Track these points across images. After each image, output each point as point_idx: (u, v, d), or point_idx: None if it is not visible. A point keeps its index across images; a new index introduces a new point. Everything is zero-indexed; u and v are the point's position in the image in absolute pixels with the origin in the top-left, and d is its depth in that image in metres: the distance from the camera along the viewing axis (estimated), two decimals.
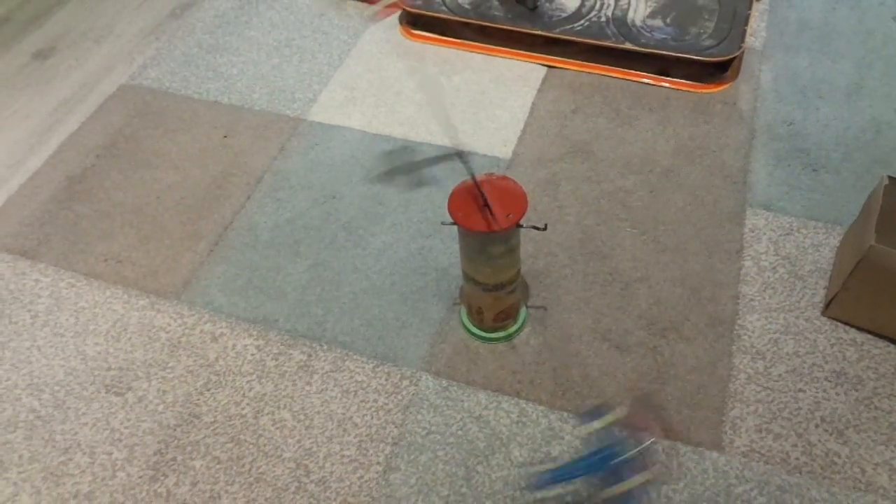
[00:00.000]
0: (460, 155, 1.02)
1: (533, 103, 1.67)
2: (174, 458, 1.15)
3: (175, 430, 1.18)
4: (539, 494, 1.09)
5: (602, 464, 0.97)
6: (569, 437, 1.14)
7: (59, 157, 1.64)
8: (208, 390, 1.23)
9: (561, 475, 1.04)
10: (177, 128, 1.68)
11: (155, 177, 1.58)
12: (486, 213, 1.02)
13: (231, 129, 1.67)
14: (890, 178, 1.23)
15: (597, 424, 1.00)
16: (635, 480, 0.95)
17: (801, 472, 1.09)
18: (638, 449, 0.96)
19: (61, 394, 1.24)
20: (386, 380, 1.22)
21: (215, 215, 1.49)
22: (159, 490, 1.12)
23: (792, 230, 1.39)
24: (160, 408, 1.21)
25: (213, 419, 1.19)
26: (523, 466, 1.11)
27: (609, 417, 0.99)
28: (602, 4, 1.79)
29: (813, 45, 1.77)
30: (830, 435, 1.12)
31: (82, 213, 1.51)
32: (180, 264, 1.41)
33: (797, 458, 1.10)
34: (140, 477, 1.13)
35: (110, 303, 1.36)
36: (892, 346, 1.22)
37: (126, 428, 1.19)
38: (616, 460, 0.96)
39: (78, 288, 1.38)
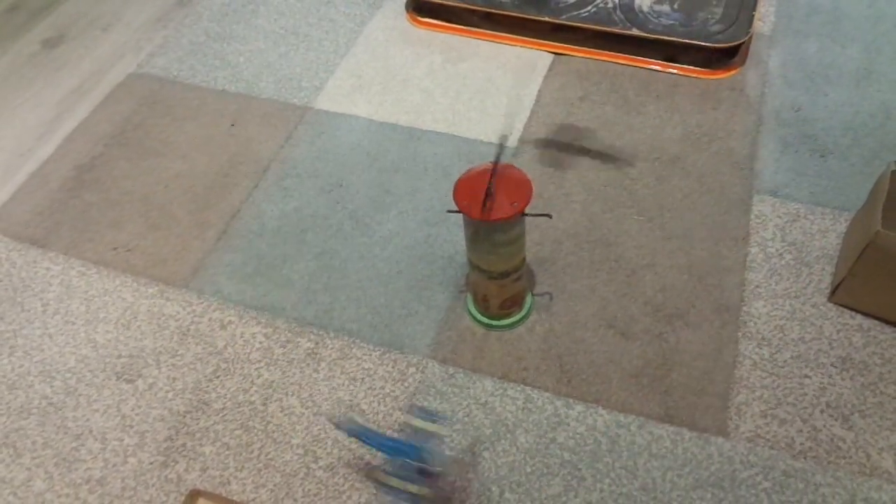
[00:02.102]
0: (501, 144, 1.03)
1: (539, 91, 1.67)
2: (184, 445, 1.17)
3: (185, 416, 1.20)
4: (337, 431, 1.12)
5: (400, 455, 0.99)
6: (574, 424, 1.15)
7: (68, 145, 1.65)
8: (217, 377, 1.24)
9: (363, 435, 1.04)
10: (184, 116, 1.69)
11: (163, 165, 1.59)
12: (492, 202, 1.02)
13: (238, 117, 1.68)
14: None
15: (418, 423, 1.02)
16: (414, 487, 0.98)
17: (806, 458, 1.09)
18: (435, 470, 0.99)
19: (73, 381, 1.25)
20: (392, 367, 1.23)
21: (223, 204, 1.50)
22: (170, 476, 1.14)
23: (799, 216, 1.39)
24: (170, 395, 1.23)
25: (222, 406, 1.21)
26: (349, 410, 1.11)
27: (431, 427, 1.01)
28: None
29: (822, 29, 1.75)
30: (836, 420, 1.13)
31: (91, 202, 1.53)
32: (189, 253, 1.42)
33: (802, 444, 1.11)
34: (151, 463, 1.15)
35: (120, 291, 1.37)
36: None
37: (137, 415, 1.21)
38: (413, 462, 0.98)
39: (88, 276, 1.40)
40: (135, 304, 1.35)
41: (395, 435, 1.07)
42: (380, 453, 1.05)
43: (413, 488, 0.99)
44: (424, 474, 0.99)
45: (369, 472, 1.10)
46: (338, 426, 1.14)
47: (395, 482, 1.00)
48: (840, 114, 1.56)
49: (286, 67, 1.78)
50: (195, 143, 1.63)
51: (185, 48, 1.86)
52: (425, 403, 1.18)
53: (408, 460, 0.99)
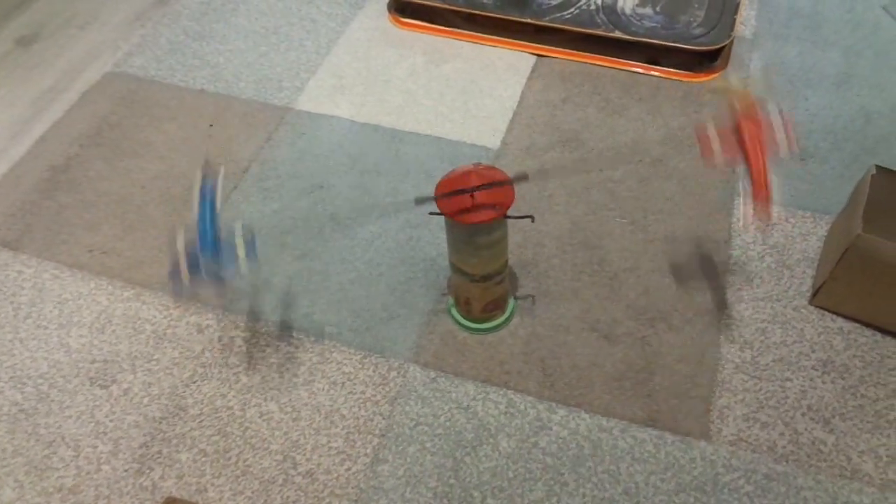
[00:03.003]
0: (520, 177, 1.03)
1: (522, 92, 1.66)
2: (160, 451, 1.14)
3: (161, 422, 1.17)
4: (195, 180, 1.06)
5: (203, 236, 0.97)
6: (557, 428, 1.14)
7: (42, 146, 1.62)
8: (194, 382, 1.22)
9: (206, 196, 1.01)
10: (162, 116, 1.66)
11: (140, 166, 1.56)
12: (473, 204, 1.01)
13: (217, 117, 1.65)
14: (878, 167, 1.23)
15: (238, 238, 0.98)
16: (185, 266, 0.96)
17: (787, 461, 1.09)
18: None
19: (45, 387, 1.22)
20: (374, 371, 1.22)
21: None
22: (145, 483, 1.11)
23: (780, 219, 1.39)
24: (146, 400, 1.20)
25: (199, 411, 1.18)
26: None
27: (241, 248, 0.98)
28: None
29: (802, 33, 1.76)
30: (817, 423, 1.13)
31: (66, 204, 1.50)
32: (166, 255, 1.40)
33: (784, 447, 1.11)
34: (125, 470, 1.13)
35: (94, 294, 1.34)
36: (878, 334, 1.22)
37: (111, 421, 1.18)
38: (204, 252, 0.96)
39: (62, 279, 1.37)
40: (110, 308, 1.32)
41: (218, 224, 1.00)
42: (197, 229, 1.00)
43: (182, 263, 0.96)
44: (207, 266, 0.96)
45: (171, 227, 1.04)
46: (203, 172, 1.06)
47: (179, 245, 0.97)
48: (820, 117, 1.57)
49: (266, 67, 1.76)
50: (173, 143, 1.60)
51: (163, 47, 1.84)
52: (406, 409, 1.17)
53: (203, 246, 0.96)
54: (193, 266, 0.96)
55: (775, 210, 1.39)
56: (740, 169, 1.00)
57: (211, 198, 1.01)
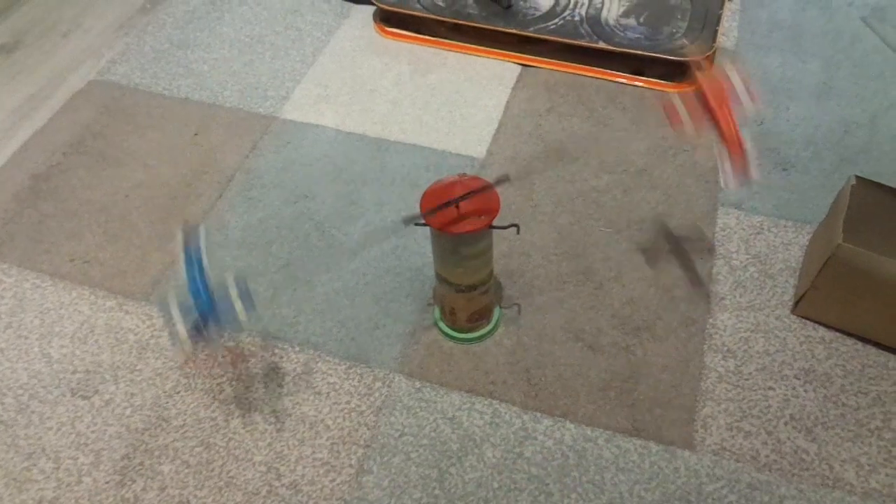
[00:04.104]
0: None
1: (507, 102, 1.67)
2: (142, 463, 1.13)
3: (143, 434, 1.16)
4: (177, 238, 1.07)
5: (196, 297, 0.97)
6: (542, 438, 1.14)
7: (23, 154, 1.60)
8: (177, 393, 1.21)
9: (191, 256, 1.02)
10: (146, 125, 1.65)
11: (123, 175, 1.55)
12: (458, 214, 1.01)
13: (202, 126, 1.65)
14: (858, 177, 1.24)
15: (231, 290, 0.98)
16: (182, 328, 0.96)
17: (770, 470, 1.10)
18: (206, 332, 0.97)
19: (25, 397, 1.21)
20: (358, 381, 1.21)
21: (185, 214, 1.47)
22: (126, 496, 1.10)
23: (762, 229, 1.40)
24: (128, 411, 1.19)
25: (182, 423, 1.17)
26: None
27: (237, 302, 0.98)
28: (576, 3, 1.79)
29: (783, 44, 1.79)
30: (799, 432, 1.14)
31: (48, 213, 1.48)
32: (149, 264, 1.39)
33: (767, 456, 1.11)
34: (106, 482, 1.11)
35: (76, 304, 1.33)
36: (859, 343, 1.23)
37: (92, 432, 1.17)
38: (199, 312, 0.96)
39: (43, 289, 1.35)
40: (92, 318, 1.31)
41: (210, 283, 1.00)
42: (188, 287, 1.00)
43: (181, 328, 0.96)
44: (197, 328, 0.96)
45: (161, 293, 1.05)
46: (183, 232, 1.07)
47: (174, 311, 0.96)
48: (801, 127, 1.59)
49: (251, 76, 1.76)
50: (157, 152, 1.59)
51: (147, 55, 1.83)
52: (392, 419, 1.16)
53: (198, 305, 0.96)
54: (194, 331, 0.97)
55: (759, 220, 1.41)
56: (712, 135, 1.03)
57: (198, 260, 1.01)
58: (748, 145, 1.02)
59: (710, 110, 1.02)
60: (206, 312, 0.97)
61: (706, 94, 1.02)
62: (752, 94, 1.02)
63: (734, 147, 1.01)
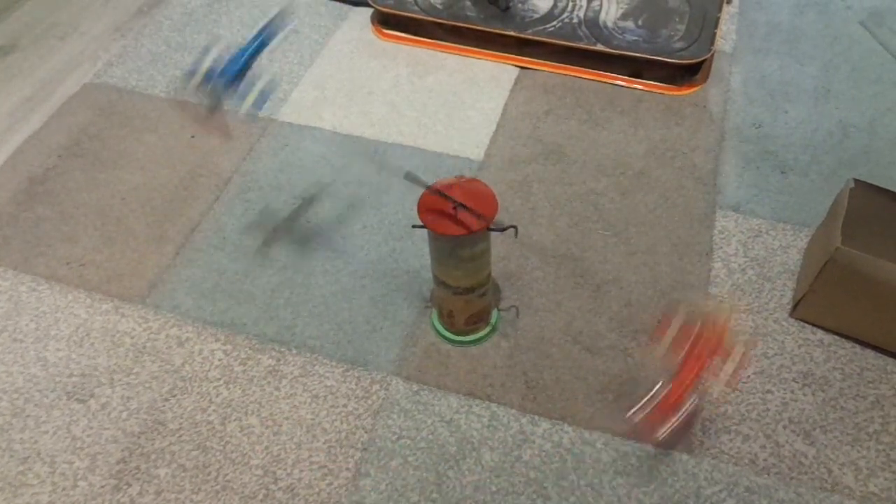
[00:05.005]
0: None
1: (505, 104, 1.67)
2: (138, 467, 1.12)
3: (139, 437, 1.16)
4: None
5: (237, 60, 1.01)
6: (540, 441, 1.13)
7: (19, 157, 1.60)
8: (174, 396, 1.20)
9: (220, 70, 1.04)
10: (143, 127, 1.65)
11: (120, 177, 1.54)
12: (456, 217, 1.01)
13: (199, 129, 1.64)
14: (856, 180, 1.24)
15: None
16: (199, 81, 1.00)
17: (769, 474, 1.10)
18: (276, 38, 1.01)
19: (20, 401, 1.20)
20: (356, 384, 1.21)
21: (182, 217, 1.46)
22: (122, 500, 1.09)
23: (761, 232, 1.40)
24: (124, 415, 1.18)
25: (178, 426, 1.17)
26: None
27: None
28: (574, 6, 1.79)
29: (781, 48, 1.79)
30: (798, 436, 1.13)
31: (44, 215, 1.48)
32: (146, 267, 1.38)
33: (765, 460, 1.11)
34: (102, 486, 1.11)
35: (72, 307, 1.32)
36: (857, 347, 1.23)
37: (88, 436, 1.16)
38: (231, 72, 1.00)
39: (39, 292, 1.35)
40: (88, 321, 1.30)
41: (250, 66, 1.05)
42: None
43: (202, 68, 0.99)
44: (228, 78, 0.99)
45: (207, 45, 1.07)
46: (276, 18, 1.11)
47: (209, 56, 1.00)
48: (799, 131, 1.59)
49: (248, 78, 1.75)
50: (154, 154, 1.59)
51: (144, 58, 1.82)
52: (389, 422, 1.16)
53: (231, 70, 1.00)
54: (207, 77, 1.00)
55: (758, 223, 1.41)
56: (672, 370, 1.00)
57: (267, 39, 1.04)
58: (679, 418, 0.99)
59: (693, 351, 0.99)
60: (229, 74, 1.00)
61: (704, 335, 1.00)
62: (734, 378, 1.01)
63: (665, 409, 0.98)
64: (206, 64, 1.02)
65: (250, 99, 1.01)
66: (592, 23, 1.74)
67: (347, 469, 1.11)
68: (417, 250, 1.39)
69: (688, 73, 1.69)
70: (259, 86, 1.02)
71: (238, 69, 1.02)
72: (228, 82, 1.01)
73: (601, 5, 1.79)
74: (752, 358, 1.22)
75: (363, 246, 1.40)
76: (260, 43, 1.05)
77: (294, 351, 1.25)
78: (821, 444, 1.12)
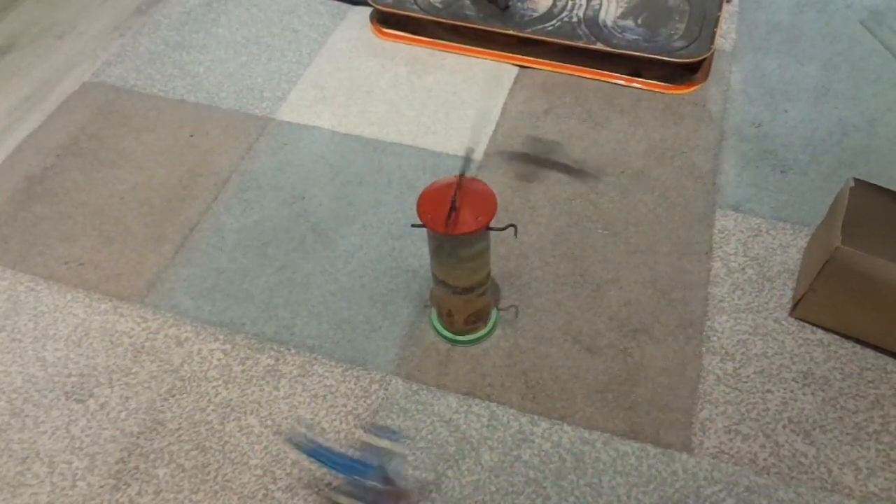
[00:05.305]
0: (467, 157, 1.04)
1: (505, 103, 1.67)
2: (137, 467, 1.12)
3: (138, 437, 1.15)
4: (292, 451, 1.11)
5: (353, 473, 1.00)
6: (539, 441, 1.13)
7: (18, 156, 1.59)
8: (173, 396, 1.20)
9: (317, 453, 1.05)
10: (141, 127, 1.65)
11: (118, 177, 1.54)
12: (455, 216, 1.01)
13: (197, 128, 1.64)
14: (856, 179, 1.24)
15: (373, 440, 1.03)
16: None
17: (768, 473, 1.09)
18: (384, 488, 0.99)
19: (19, 401, 1.20)
20: (355, 384, 1.21)
21: (181, 216, 1.46)
22: (121, 500, 1.09)
23: (760, 231, 1.40)
24: (122, 415, 1.18)
25: (177, 426, 1.16)
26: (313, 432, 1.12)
27: (386, 444, 1.03)
28: (574, 4, 1.79)
29: (781, 47, 1.78)
30: (797, 435, 1.13)
31: (42, 215, 1.47)
32: (144, 267, 1.38)
33: (765, 459, 1.11)
34: (101, 486, 1.10)
35: (71, 307, 1.32)
36: (857, 346, 1.23)
37: (87, 436, 1.16)
38: (367, 481, 0.99)
39: (37, 291, 1.34)
40: (87, 321, 1.30)
41: (353, 453, 1.05)
42: (337, 472, 1.03)
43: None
44: (379, 493, 0.97)
45: (322, 491, 1.08)
46: (292, 444, 1.11)
47: (344, 501, 0.98)
48: (799, 130, 1.59)
49: (247, 77, 1.75)
50: (152, 154, 1.59)
51: (142, 57, 1.82)
52: (388, 422, 1.16)
53: (360, 478, 0.97)
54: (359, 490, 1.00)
55: (757, 222, 1.41)
56: None
57: (322, 450, 1.06)
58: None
59: None
60: (369, 474, 0.99)
61: None
62: None
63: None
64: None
65: (385, 444, 1.03)
66: (592, 21, 1.74)
67: None
68: (417, 250, 1.39)
69: (687, 72, 1.68)
70: (370, 439, 1.05)
71: (347, 464, 1.02)
72: (364, 472, 1.01)
73: (601, 4, 1.79)
74: (752, 357, 1.22)
75: (362, 245, 1.40)
76: (325, 452, 1.06)
77: (293, 350, 1.25)
78: (821, 443, 1.12)
